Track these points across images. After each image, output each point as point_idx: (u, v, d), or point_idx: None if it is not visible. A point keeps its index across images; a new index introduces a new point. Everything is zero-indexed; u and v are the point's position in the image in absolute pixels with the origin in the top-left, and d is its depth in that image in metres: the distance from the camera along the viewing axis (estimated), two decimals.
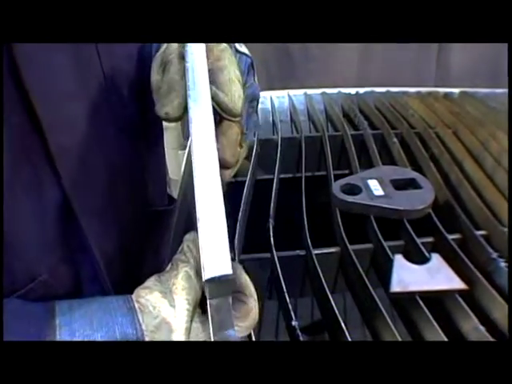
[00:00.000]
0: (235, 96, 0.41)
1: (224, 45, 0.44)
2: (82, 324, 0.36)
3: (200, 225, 0.33)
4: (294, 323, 0.55)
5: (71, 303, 0.38)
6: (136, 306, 0.38)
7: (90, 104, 0.41)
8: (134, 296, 0.40)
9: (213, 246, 0.32)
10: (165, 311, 0.38)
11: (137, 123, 0.48)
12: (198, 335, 0.39)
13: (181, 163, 1.06)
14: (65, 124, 0.39)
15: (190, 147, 0.41)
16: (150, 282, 0.41)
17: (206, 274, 0.32)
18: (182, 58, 0.42)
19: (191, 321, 0.39)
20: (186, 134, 1.05)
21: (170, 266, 0.43)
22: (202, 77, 0.38)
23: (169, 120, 0.42)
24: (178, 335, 0.38)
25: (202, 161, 0.34)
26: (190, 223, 0.49)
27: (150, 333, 0.37)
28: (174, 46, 0.43)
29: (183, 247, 0.43)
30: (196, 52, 0.40)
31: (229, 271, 0.32)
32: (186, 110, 0.41)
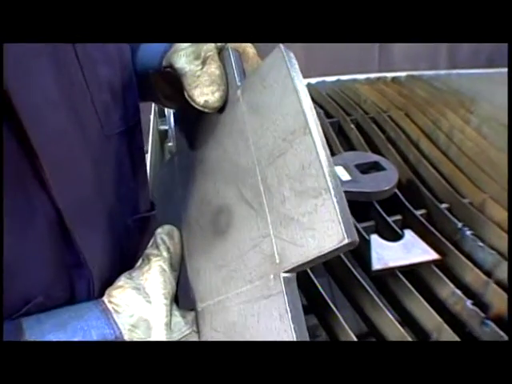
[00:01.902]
0: None
1: (254, 50, 0.46)
2: (55, 334, 0.36)
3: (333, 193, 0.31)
4: None
5: (39, 317, 0.37)
6: (109, 306, 0.38)
7: (76, 113, 0.40)
8: (105, 297, 0.39)
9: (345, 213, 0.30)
10: (141, 308, 0.38)
11: (120, 130, 0.48)
12: (181, 329, 0.40)
13: None
14: (52, 135, 0.38)
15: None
16: (121, 280, 0.41)
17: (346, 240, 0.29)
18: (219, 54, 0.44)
19: (170, 315, 0.40)
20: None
21: (140, 261, 0.43)
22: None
23: (205, 108, 0.43)
24: (158, 331, 0.38)
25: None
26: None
27: (128, 331, 0.37)
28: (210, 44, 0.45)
29: (156, 240, 0.43)
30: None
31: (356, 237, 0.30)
32: (224, 103, 0.43)
